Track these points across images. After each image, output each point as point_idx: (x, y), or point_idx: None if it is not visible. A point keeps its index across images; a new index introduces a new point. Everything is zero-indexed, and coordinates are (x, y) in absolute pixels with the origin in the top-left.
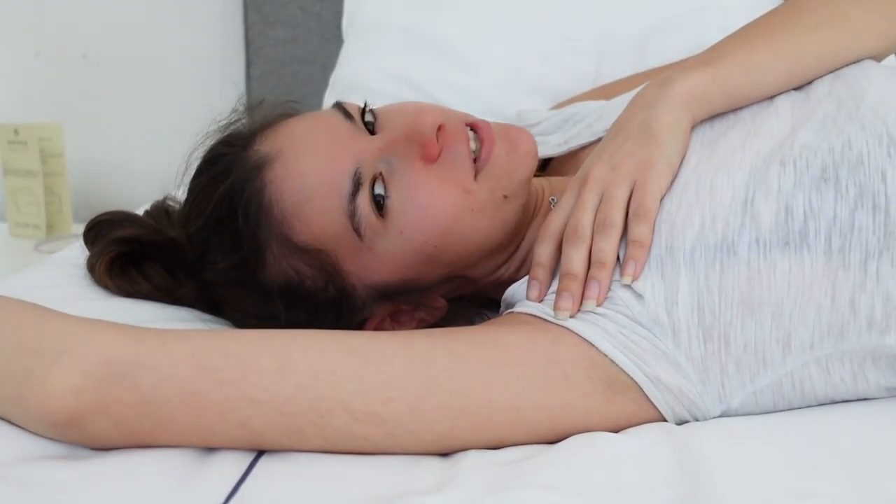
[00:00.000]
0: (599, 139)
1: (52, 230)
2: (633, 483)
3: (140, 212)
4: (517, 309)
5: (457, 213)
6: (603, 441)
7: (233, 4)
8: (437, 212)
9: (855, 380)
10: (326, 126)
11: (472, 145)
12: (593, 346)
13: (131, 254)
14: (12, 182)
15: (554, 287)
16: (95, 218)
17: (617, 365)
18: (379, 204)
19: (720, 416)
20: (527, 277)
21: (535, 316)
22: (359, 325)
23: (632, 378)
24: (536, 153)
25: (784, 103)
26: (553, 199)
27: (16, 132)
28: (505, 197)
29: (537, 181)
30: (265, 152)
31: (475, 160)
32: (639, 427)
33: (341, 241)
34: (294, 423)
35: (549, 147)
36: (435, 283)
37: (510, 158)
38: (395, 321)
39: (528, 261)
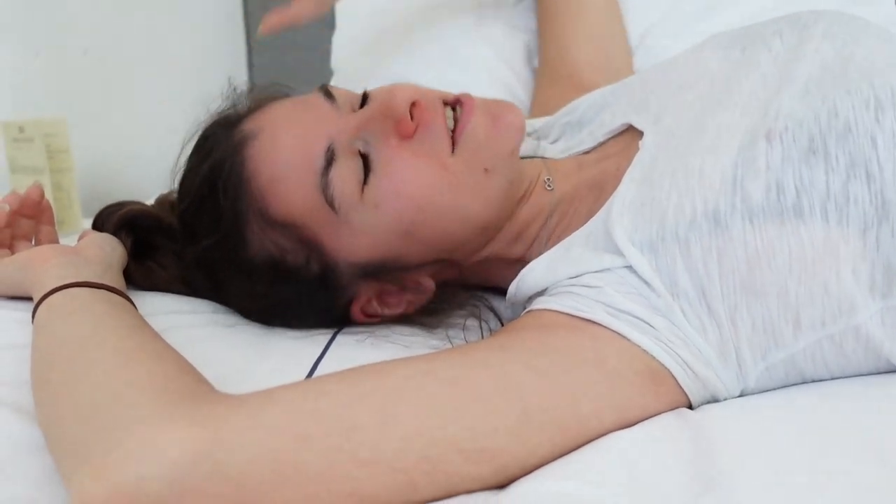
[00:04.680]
0: (600, 144)
1: (62, 226)
2: (648, 470)
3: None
4: (537, 306)
5: (433, 189)
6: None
7: None
8: (412, 187)
9: (867, 353)
10: (307, 105)
11: (450, 123)
12: (626, 339)
13: (142, 243)
14: (20, 180)
15: (563, 279)
16: (104, 208)
17: (651, 355)
18: (367, 168)
19: (737, 396)
20: (526, 269)
21: (560, 313)
22: (345, 306)
23: (666, 367)
24: (522, 127)
25: (767, 63)
26: (548, 179)
27: (21, 129)
28: (486, 170)
29: (532, 161)
30: (247, 130)
31: (453, 132)
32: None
33: (317, 215)
34: (407, 478)
35: (550, 152)
36: (418, 264)
37: (490, 131)
38: (382, 302)
39: (519, 240)
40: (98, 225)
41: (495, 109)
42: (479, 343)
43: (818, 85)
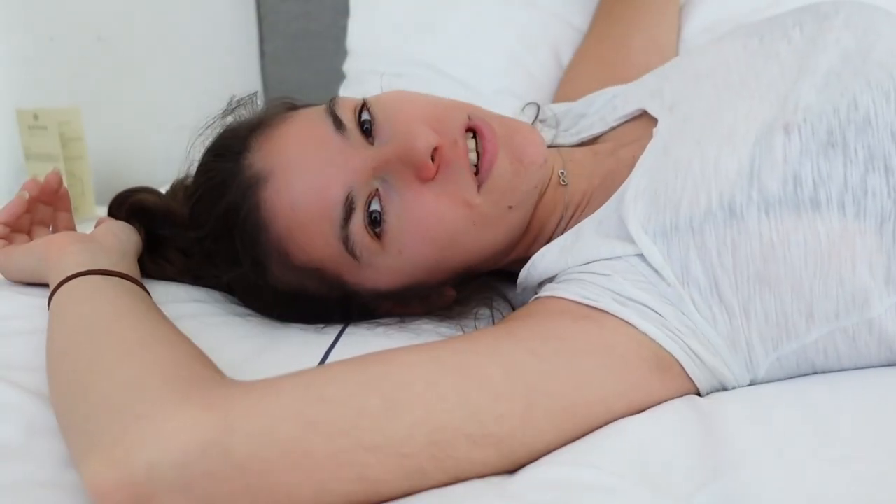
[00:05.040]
0: (612, 128)
1: (76, 213)
2: (657, 457)
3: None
4: (545, 293)
5: (458, 228)
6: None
7: None
8: (437, 230)
9: (880, 346)
10: (317, 141)
11: (472, 157)
12: (633, 326)
13: (153, 233)
14: (34, 167)
15: (573, 266)
16: (117, 195)
17: (658, 343)
18: (376, 221)
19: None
20: (537, 254)
21: (569, 300)
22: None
23: (672, 355)
24: (545, 161)
25: (787, 53)
26: (563, 173)
27: (35, 117)
28: (510, 207)
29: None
30: (258, 169)
31: (477, 170)
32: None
33: (338, 261)
34: (415, 463)
35: (564, 138)
36: (440, 284)
37: (515, 170)
38: (402, 308)
39: (535, 241)
40: (113, 212)
41: (518, 144)
42: (487, 330)
43: (838, 76)
